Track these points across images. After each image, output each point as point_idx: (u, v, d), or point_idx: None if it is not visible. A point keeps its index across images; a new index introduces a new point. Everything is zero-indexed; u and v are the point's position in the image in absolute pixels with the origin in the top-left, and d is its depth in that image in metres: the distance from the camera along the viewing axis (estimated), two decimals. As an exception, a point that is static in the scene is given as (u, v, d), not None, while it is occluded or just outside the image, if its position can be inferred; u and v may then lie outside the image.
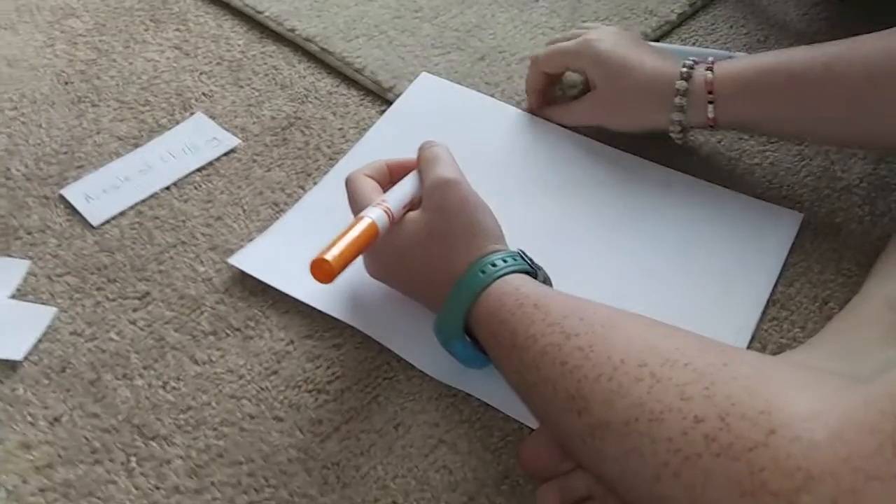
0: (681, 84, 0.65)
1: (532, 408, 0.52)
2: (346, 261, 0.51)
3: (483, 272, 0.53)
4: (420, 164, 0.60)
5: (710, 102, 0.64)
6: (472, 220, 0.56)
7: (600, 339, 0.46)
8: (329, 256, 0.50)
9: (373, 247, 0.55)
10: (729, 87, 0.64)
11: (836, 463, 0.33)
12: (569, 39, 0.72)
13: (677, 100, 0.65)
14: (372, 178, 0.60)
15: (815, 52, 0.62)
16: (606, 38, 0.69)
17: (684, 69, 0.65)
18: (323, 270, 0.50)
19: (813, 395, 0.37)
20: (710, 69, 0.65)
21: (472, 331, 0.54)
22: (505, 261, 0.54)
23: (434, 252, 0.55)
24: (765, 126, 0.67)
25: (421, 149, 0.61)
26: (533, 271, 0.55)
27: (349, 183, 0.60)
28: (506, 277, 0.53)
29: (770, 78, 0.62)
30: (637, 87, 0.67)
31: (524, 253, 0.56)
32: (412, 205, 0.58)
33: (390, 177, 0.61)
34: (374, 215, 0.54)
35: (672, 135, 0.67)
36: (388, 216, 0.55)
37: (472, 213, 0.56)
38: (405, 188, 0.58)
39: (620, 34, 0.71)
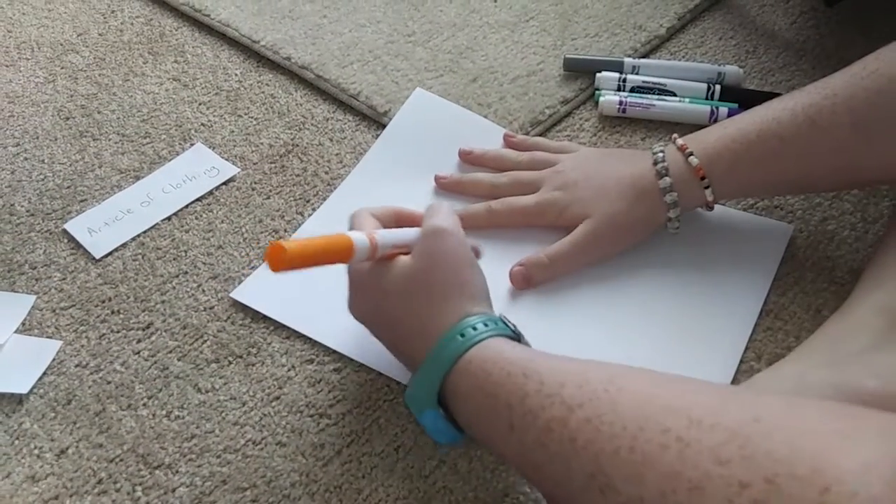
0: (665, 182, 0.63)
1: (544, 489, 0.49)
2: (303, 258, 0.48)
3: (462, 335, 0.50)
4: (424, 219, 0.57)
5: (707, 187, 0.63)
6: (459, 275, 0.53)
7: (607, 406, 0.42)
8: (288, 246, 0.47)
9: (351, 277, 0.55)
10: (720, 167, 0.62)
11: None
12: (533, 157, 0.71)
13: (668, 198, 0.63)
14: (377, 217, 0.58)
15: (794, 109, 0.60)
16: (566, 177, 0.67)
17: (659, 166, 0.63)
18: (276, 257, 0.47)
19: (858, 445, 0.35)
20: (688, 153, 0.63)
21: (448, 403, 0.51)
22: (486, 324, 0.51)
23: (416, 302, 0.53)
24: (758, 191, 0.67)
25: (428, 207, 0.58)
26: (515, 337, 0.52)
27: (353, 216, 0.58)
28: (486, 342, 0.50)
29: (759, 146, 0.61)
30: (624, 202, 0.64)
31: (506, 319, 0.53)
32: (405, 250, 0.56)
33: (396, 224, 0.59)
34: (355, 236, 0.52)
35: (669, 228, 0.65)
36: (371, 245, 0.53)
37: (459, 267, 0.54)
38: (402, 232, 0.56)
39: (578, 157, 0.69)
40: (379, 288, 0.55)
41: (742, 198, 0.71)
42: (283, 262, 0.47)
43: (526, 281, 0.65)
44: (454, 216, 0.57)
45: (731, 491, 0.36)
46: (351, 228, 0.58)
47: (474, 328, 0.51)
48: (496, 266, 0.65)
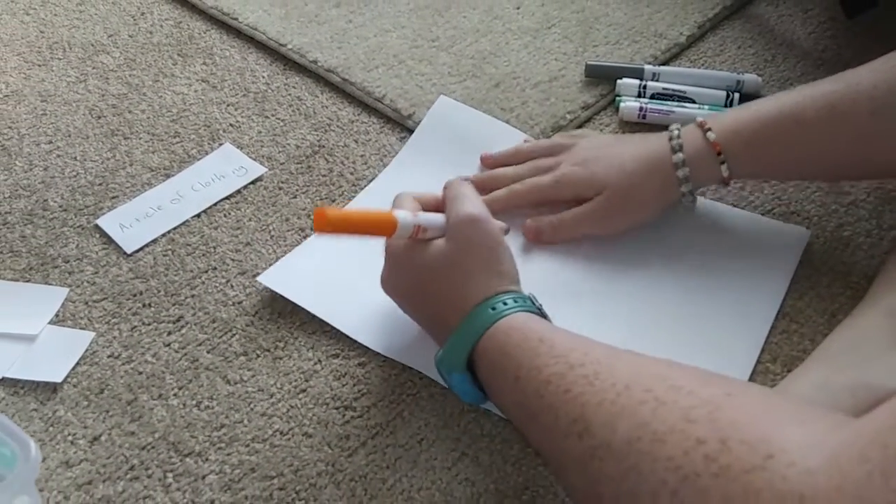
0: (678, 157, 0.65)
1: (532, 438, 0.52)
2: (343, 224, 0.53)
3: (494, 308, 0.54)
4: (446, 200, 0.61)
5: (723, 163, 0.64)
6: (494, 256, 0.57)
7: (605, 368, 0.47)
8: (330, 213, 0.52)
9: (389, 254, 0.59)
10: (737, 144, 0.64)
11: (830, 489, 0.35)
12: (549, 150, 0.73)
13: (680, 173, 0.65)
14: (420, 202, 0.62)
15: (814, 94, 0.62)
16: (582, 154, 0.70)
17: (674, 142, 0.65)
18: (319, 219, 0.52)
19: (811, 428, 0.38)
20: (707, 129, 0.65)
21: (474, 366, 0.55)
22: (516, 301, 0.55)
23: (452, 281, 0.57)
24: (774, 172, 0.69)
25: (447, 186, 0.62)
26: (541, 315, 0.56)
27: (397, 197, 0.62)
28: (514, 315, 0.54)
29: (776, 126, 0.63)
30: (638, 175, 0.66)
31: (535, 298, 0.57)
32: (439, 235, 0.59)
33: (436, 209, 0.62)
34: (400, 214, 0.56)
35: (684, 203, 0.67)
36: (414, 227, 0.57)
37: (495, 250, 0.57)
38: (442, 219, 0.60)
39: (595, 139, 0.72)
40: (417, 266, 0.58)
41: (757, 179, 0.72)
42: (322, 225, 0.52)
43: (536, 235, 0.69)
44: (481, 200, 0.60)
45: (687, 444, 0.40)
46: (394, 207, 0.61)
47: (505, 303, 0.54)
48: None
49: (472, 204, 0.59)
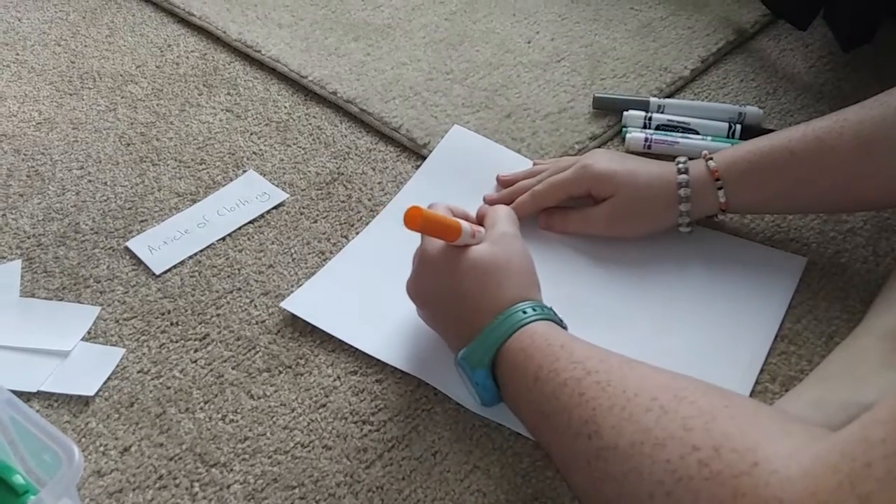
0: (682, 178, 0.69)
1: (543, 437, 0.56)
2: (431, 222, 0.60)
3: (525, 312, 0.58)
4: (487, 219, 0.67)
5: (720, 189, 0.69)
6: (527, 268, 0.63)
7: (617, 377, 0.51)
8: (424, 212, 0.59)
9: (424, 257, 0.63)
10: (734, 172, 0.69)
11: (805, 495, 0.39)
12: (560, 164, 0.77)
13: (682, 192, 0.69)
14: (451, 211, 0.67)
15: (806, 129, 0.67)
16: (600, 157, 0.74)
17: (680, 165, 0.70)
18: (412, 216, 0.58)
19: (794, 440, 0.42)
20: (709, 159, 0.70)
21: (495, 366, 0.59)
22: (543, 309, 0.59)
23: (489, 282, 0.60)
24: (769, 204, 0.72)
25: (489, 205, 0.70)
26: (562, 326, 0.61)
27: (432, 206, 0.66)
28: (540, 322, 0.58)
29: (770, 158, 0.67)
30: (646, 188, 0.71)
31: (554, 311, 0.61)
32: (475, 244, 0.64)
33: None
34: (463, 224, 0.62)
35: (681, 228, 0.72)
36: (472, 233, 0.62)
37: (526, 264, 0.63)
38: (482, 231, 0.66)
39: (610, 151, 0.77)
40: (454, 267, 0.62)
41: (755, 212, 0.75)
42: (415, 221, 0.58)
43: (547, 224, 0.76)
44: (516, 221, 0.67)
45: (684, 450, 0.44)
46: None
47: (533, 309, 0.59)
48: None
49: (511, 225, 0.65)
